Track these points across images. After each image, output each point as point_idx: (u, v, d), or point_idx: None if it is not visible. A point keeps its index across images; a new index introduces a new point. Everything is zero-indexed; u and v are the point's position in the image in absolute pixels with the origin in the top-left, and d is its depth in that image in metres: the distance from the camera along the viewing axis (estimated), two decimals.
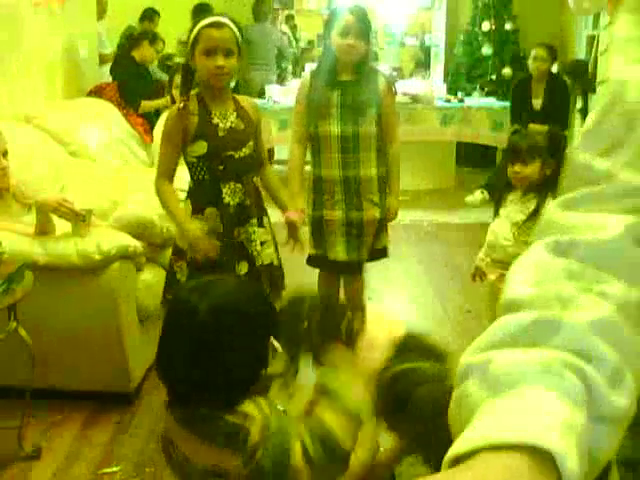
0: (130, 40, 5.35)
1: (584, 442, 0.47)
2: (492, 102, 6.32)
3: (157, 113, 4.74)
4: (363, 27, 2.72)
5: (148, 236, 2.89)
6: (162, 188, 2.34)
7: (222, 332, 1.23)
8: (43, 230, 2.59)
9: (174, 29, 6.38)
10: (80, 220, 2.58)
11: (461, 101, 6.21)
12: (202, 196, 2.35)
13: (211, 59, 2.24)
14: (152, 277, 2.89)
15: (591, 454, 0.48)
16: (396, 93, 2.95)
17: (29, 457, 2.39)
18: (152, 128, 4.39)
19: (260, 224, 2.43)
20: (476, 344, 0.54)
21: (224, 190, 2.33)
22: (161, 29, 6.03)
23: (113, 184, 3.58)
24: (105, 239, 2.59)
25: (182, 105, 2.28)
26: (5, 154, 2.69)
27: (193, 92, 2.34)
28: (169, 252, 3.02)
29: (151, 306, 2.85)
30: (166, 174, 2.35)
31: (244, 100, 2.45)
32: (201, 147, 2.29)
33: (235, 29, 2.28)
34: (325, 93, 2.76)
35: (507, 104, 5.48)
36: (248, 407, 1.25)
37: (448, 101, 6.19)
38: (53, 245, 2.55)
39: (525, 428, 0.44)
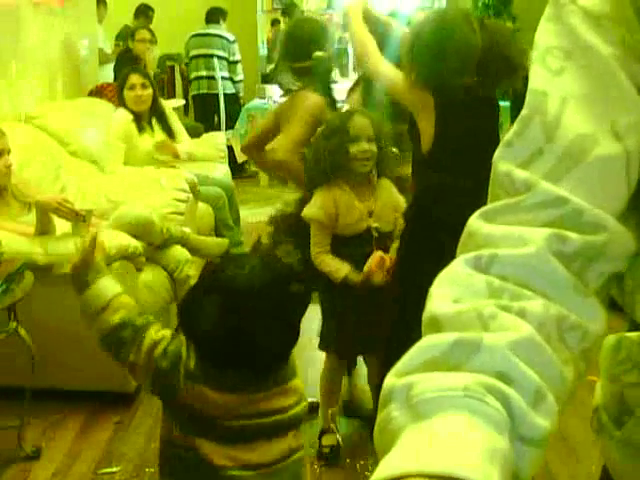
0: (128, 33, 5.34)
1: (508, 468, 0.46)
2: None
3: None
4: None
5: (148, 236, 2.88)
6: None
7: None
8: (43, 230, 2.59)
9: (171, 27, 6.37)
10: (80, 220, 2.58)
11: None
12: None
13: None
14: (152, 277, 2.89)
15: (513, 476, 0.48)
16: None
17: (29, 457, 2.39)
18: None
19: None
20: (399, 366, 0.53)
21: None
22: (159, 28, 6.02)
23: (113, 184, 3.58)
24: (105, 239, 2.58)
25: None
26: (8, 152, 2.70)
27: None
28: (169, 252, 3.03)
29: (151, 306, 2.85)
30: (295, 151, 2.45)
31: None
32: None
33: None
34: None
35: (507, 104, 5.46)
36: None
37: None
38: (53, 245, 2.55)
39: (444, 457, 0.43)
